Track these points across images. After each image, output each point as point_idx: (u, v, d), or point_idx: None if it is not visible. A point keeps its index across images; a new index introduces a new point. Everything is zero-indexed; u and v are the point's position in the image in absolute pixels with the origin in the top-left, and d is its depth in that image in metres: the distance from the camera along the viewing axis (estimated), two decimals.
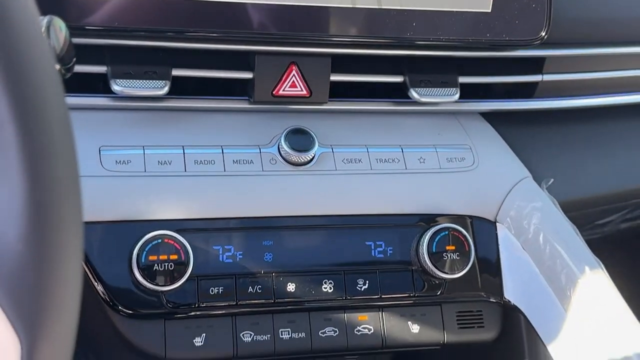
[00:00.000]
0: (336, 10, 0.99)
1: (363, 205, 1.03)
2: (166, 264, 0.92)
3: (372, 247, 1.02)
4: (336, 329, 1.01)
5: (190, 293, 0.95)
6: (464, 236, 1.02)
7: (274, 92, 1.03)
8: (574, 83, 1.17)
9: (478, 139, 1.11)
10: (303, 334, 1.00)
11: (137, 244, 0.93)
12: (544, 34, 1.05)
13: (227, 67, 1.02)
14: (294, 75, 1.03)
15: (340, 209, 1.02)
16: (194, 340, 0.96)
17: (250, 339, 0.98)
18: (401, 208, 1.04)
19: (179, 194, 0.97)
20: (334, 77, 1.05)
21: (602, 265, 0.99)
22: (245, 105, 1.05)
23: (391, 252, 1.03)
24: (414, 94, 1.07)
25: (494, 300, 1.06)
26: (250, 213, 0.99)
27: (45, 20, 0.63)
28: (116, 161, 0.96)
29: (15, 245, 0.48)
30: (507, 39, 1.05)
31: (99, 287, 0.93)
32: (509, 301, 1.05)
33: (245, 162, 1.00)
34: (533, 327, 1.03)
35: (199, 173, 0.98)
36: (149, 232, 0.93)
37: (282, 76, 1.03)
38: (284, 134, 1.01)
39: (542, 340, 1.01)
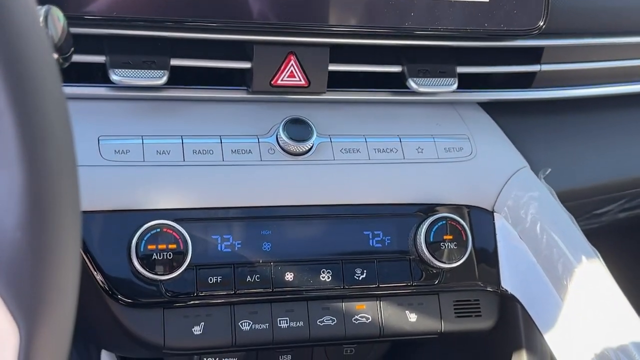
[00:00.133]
0: (334, 0, 0.99)
1: (361, 195, 1.03)
2: (165, 253, 0.93)
3: (370, 237, 1.03)
4: (334, 318, 1.01)
5: (189, 282, 0.96)
6: (462, 226, 1.03)
7: (272, 82, 1.03)
8: (572, 73, 1.17)
9: (476, 129, 1.12)
10: (301, 323, 1.00)
11: (136, 233, 0.93)
12: (542, 23, 1.05)
13: (225, 57, 1.03)
14: (292, 65, 1.04)
15: (339, 198, 1.02)
16: (193, 329, 0.97)
17: (248, 328, 0.99)
18: (399, 198, 1.04)
19: (177, 183, 0.97)
20: (333, 67, 1.05)
21: (599, 255, 1.00)
22: (243, 95, 1.05)
23: (389, 241, 1.03)
24: (412, 83, 1.07)
25: (491, 290, 1.06)
26: (248, 203, 0.99)
27: (43, 10, 0.63)
28: (115, 151, 0.97)
29: (13, 233, 0.48)
30: (505, 28, 1.05)
31: (98, 277, 0.94)
32: (506, 290, 1.05)
33: (243, 151, 1.01)
34: (530, 316, 1.03)
35: (197, 163, 0.98)
36: (148, 222, 0.93)
37: (281, 66, 1.03)
38: (283, 123, 1.02)
39: (538, 329, 1.02)
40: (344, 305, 1.02)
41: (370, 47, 1.07)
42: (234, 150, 1.00)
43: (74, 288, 0.54)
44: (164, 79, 0.99)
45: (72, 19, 0.90)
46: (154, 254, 0.92)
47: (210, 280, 0.97)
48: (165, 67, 0.99)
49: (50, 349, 0.52)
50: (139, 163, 0.97)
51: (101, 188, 0.95)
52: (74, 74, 0.99)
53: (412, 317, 1.04)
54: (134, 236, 0.93)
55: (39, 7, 0.63)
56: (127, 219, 0.94)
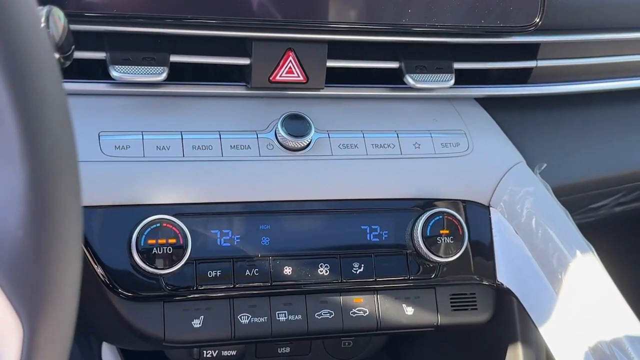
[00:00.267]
0: None
1: (359, 190, 1.04)
2: (165, 247, 0.94)
3: (368, 231, 1.04)
4: (332, 312, 1.03)
5: (188, 276, 0.97)
6: (458, 220, 1.04)
7: (271, 78, 1.04)
8: (568, 69, 1.18)
9: (473, 125, 1.13)
10: (299, 316, 1.01)
11: (136, 228, 0.94)
12: (538, 20, 1.06)
13: (224, 53, 1.03)
14: (290, 61, 1.04)
15: (336, 193, 1.03)
16: (193, 322, 0.98)
17: (247, 321, 1.00)
18: (396, 193, 1.05)
19: (177, 178, 0.98)
20: (331, 63, 1.06)
21: (593, 249, 1.01)
22: (242, 91, 1.06)
23: (386, 236, 1.04)
24: (409, 79, 1.08)
25: (487, 283, 1.07)
26: (247, 198, 1.00)
27: (44, 10, 0.64)
28: (115, 146, 0.97)
29: (16, 231, 0.49)
30: (501, 25, 1.06)
31: (99, 270, 0.95)
32: (502, 284, 1.07)
33: (242, 147, 1.01)
34: (525, 310, 1.04)
35: (197, 158, 0.99)
36: (148, 217, 0.94)
37: (279, 62, 1.04)
38: (281, 119, 1.03)
39: (533, 322, 1.03)
40: (342, 298, 1.03)
41: (368, 43, 1.08)
42: (233, 146, 1.01)
43: (75, 284, 0.55)
44: (164, 76, 1.00)
45: (73, 16, 0.91)
46: (154, 248, 0.93)
47: (210, 274, 0.98)
48: (165, 64, 1.00)
49: (52, 344, 0.54)
50: (139, 158, 0.98)
51: (102, 183, 0.96)
52: (74, 70, 1.00)
53: (409, 310, 1.06)
54: (134, 231, 0.94)
55: (40, 7, 0.64)
56: (128, 214, 0.95)
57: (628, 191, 1.32)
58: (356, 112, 1.10)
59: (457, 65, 1.10)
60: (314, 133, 1.03)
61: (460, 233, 1.04)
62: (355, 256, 1.03)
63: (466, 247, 1.05)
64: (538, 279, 1.02)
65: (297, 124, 1.03)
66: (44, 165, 0.50)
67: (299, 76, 1.05)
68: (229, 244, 0.99)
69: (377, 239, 1.04)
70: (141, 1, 0.95)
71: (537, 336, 1.05)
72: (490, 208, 1.08)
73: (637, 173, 1.26)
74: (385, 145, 1.06)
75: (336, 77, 1.08)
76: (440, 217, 1.03)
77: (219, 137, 1.01)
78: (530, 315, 1.03)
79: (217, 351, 1.17)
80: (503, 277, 1.06)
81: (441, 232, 1.03)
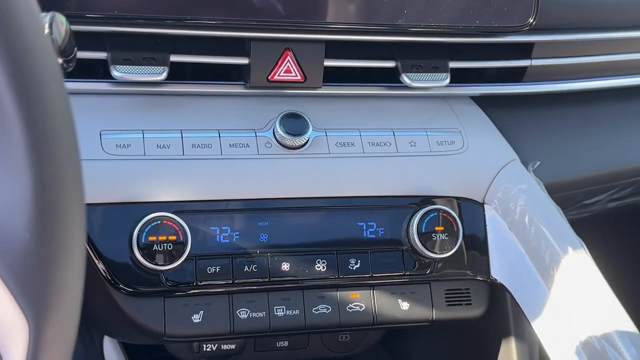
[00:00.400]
0: None
1: (355, 188, 1.06)
2: (165, 244, 0.95)
3: (364, 228, 1.05)
4: (329, 307, 1.04)
5: (188, 272, 0.98)
6: (453, 217, 1.05)
7: (269, 78, 1.06)
8: (561, 67, 1.19)
9: (468, 123, 1.14)
10: (297, 311, 1.03)
11: (137, 225, 0.95)
12: (531, 20, 1.07)
13: (223, 53, 1.05)
14: (288, 60, 1.06)
15: (334, 191, 1.05)
16: (192, 317, 1.00)
17: (246, 316, 1.02)
18: (392, 190, 1.07)
19: (177, 176, 1.00)
20: (328, 63, 1.07)
21: (585, 246, 1.03)
22: (241, 90, 1.07)
23: (382, 232, 1.06)
24: (405, 79, 1.10)
25: (481, 279, 1.09)
26: (246, 195, 1.02)
27: (48, 17, 0.66)
28: (116, 145, 0.99)
29: (23, 233, 0.51)
30: (496, 25, 1.07)
31: (101, 267, 0.96)
32: (496, 279, 1.08)
33: (241, 145, 1.03)
34: (518, 305, 1.06)
35: (196, 156, 1.01)
36: (149, 214, 0.96)
37: (277, 62, 1.05)
38: (279, 118, 1.04)
39: (526, 317, 1.04)
40: (339, 294, 1.05)
41: (364, 43, 1.09)
42: (232, 144, 1.03)
43: (79, 283, 0.57)
44: (164, 75, 1.01)
45: (75, 17, 0.93)
46: (155, 245, 0.95)
47: (209, 270, 0.99)
48: (165, 63, 1.01)
49: (57, 342, 0.56)
50: (139, 157, 0.99)
51: (103, 181, 0.97)
52: (76, 69, 1.01)
53: (405, 305, 1.07)
54: (135, 228, 0.95)
55: (44, 14, 0.65)
56: (129, 211, 0.97)
57: (621, 187, 1.34)
58: (353, 110, 1.11)
59: (453, 65, 1.12)
60: (311, 131, 1.05)
61: (455, 230, 1.05)
62: (351, 252, 1.05)
63: (461, 244, 1.06)
64: (531, 275, 1.04)
65: (294, 123, 1.04)
66: (48, 169, 0.52)
67: (296, 75, 1.07)
68: (228, 241, 1.00)
69: (374, 236, 1.06)
70: (142, 2, 0.97)
71: (530, 330, 1.06)
72: (485, 205, 1.10)
73: (630, 170, 1.27)
74: (382, 144, 1.08)
75: (333, 76, 1.09)
76: (436, 214, 1.05)
77: (218, 135, 1.03)
78: (523, 310, 1.05)
79: (216, 345, 1.18)
80: (497, 272, 1.08)
81: (436, 228, 1.05)
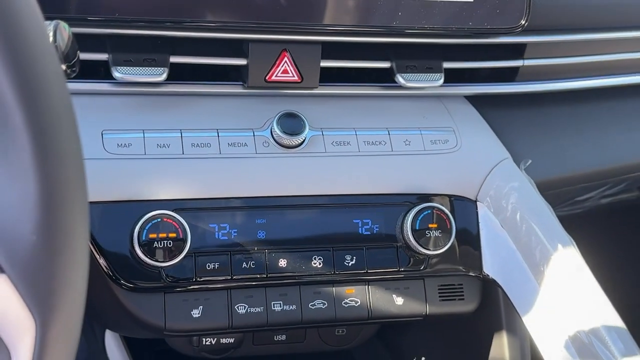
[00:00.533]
0: (326, 0, 1.04)
1: (351, 186, 1.07)
2: (165, 241, 0.97)
3: (360, 225, 1.07)
4: (325, 302, 1.06)
5: (188, 268, 1.00)
6: (446, 214, 1.07)
7: (266, 78, 1.07)
8: (553, 67, 1.21)
9: (461, 122, 1.16)
10: (294, 306, 1.05)
11: (138, 222, 0.97)
12: (524, 22, 1.09)
13: (222, 54, 1.07)
14: (285, 61, 1.08)
15: (330, 189, 1.07)
16: (192, 312, 1.02)
17: (244, 311, 1.03)
18: (387, 188, 1.09)
19: (177, 175, 1.02)
20: (324, 63, 1.09)
21: (574, 242, 1.05)
22: (239, 90, 1.09)
23: (377, 229, 1.08)
24: (400, 79, 1.11)
25: (473, 275, 1.11)
26: (244, 193, 1.04)
27: (52, 25, 0.68)
28: (118, 144, 1.01)
29: (30, 237, 0.54)
30: (488, 27, 1.09)
31: (103, 263, 0.98)
32: (488, 275, 1.10)
33: (239, 144, 1.05)
34: (510, 300, 1.08)
35: (195, 155, 1.02)
36: (149, 212, 0.98)
37: (275, 62, 1.07)
38: (276, 118, 1.05)
39: (517, 312, 1.06)
40: (334, 289, 1.07)
41: (360, 44, 1.11)
42: (230, 144, 1.04)
43: (83, 282, 0.60)
44: (164, 76, 1.03)
45: (77, 20, 0.96)
46: (155, 242, 0.97)
47: (208, 267, 1.01)
48: (165, 65, 1.03)
49: (62, 338, 0.58)
50: (140, 156, 1.01)
51: (105, 180, 0.99)
52: (79, 70, 1.04)
53: (399, 300, 1.09)
54: (136, 225, 0.97)
55: (48, 22, 0.68)
56: (130, 209, 0.99)
57: (613, 184, 1.36)
58: (349, 110, 1.13)
59: (446, 65, 1.13)
60: (308, 131, 1.06)
61: (448, 227, 1.07)
62: (347, 249, 1.06)
63: (454, 240, 1.08)
64: (522, 271, 1.06)
65: (292, 122, 1.06)
66: (54, 176, 0.54)
67: (293, 76, 1.08)
68: (227, 238, 1.02)
69: (369, 233, 1.07)
70: (142, 5, 0.98)
71: (521, 325, 1.08)
72: (478, 203, 1.12)
73: (620, 167, 1.29)
74: (377, 143, 1.10)
75: (330, 77, 1.11)
76: (429, 211, 1.07)
77: (217, 135, 1.05)
78: (515, 305, 1.07)
79: (215, 339, 1.21)
80: (489, 268, 1.10)
81: (430, 225, 1.07)
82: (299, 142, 1.06)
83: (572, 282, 1.02)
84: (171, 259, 0.98)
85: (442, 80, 1.13)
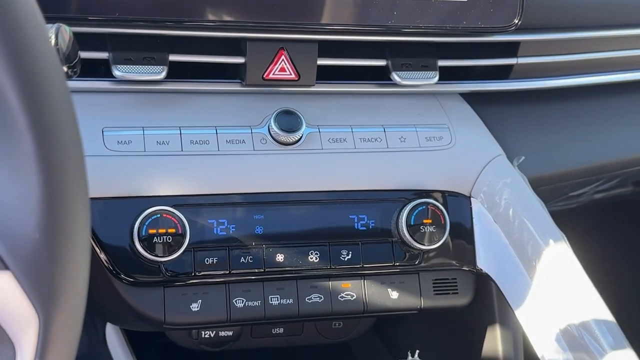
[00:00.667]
0: None
1: (347, 182, 1.09)
2: (165, 236, 0.99)
3: (356, 221, 1.09)
4: (321, 296, 1.08)
5: (187, 263, 1.02)
6: (441, 210, 1.09)
7: (264, 76, 1.09)
8: (546, 65, 1.22)
9: (456, 119, 1.17)
10: (291, 300, 1.07)
11: (138, 218, 0.99)
12: (517, 21, 1.11)
13: (220, 52, 1.08)
14: (283, 60, 1.09)
15: (326, 185, 1.08)
16: (191, 306, 1.03)
17: (242, 305, 1.05)
18: (383, 184, 1.10)
19: (176, 172, 1.03)
20: (321, 62, 1.10)
21: (565, 238, 1.07)
22: (237, 88, 1.10)
23: (373, 225, 1.09)
24: (395, 77, 1.13)
25: (467, 269, 1.13)
26: (242, 189, 1.05)
27: (53, 28, 0.70)
28: (118, 141, 1.02)
29: (33, 234, 0.56)
30: (482, 26, 1.11)
31: (104, 257, 1.00)
32: (481, 270, 1.12)
33: (237, 141, 1.06)
34: (502, 294, 1.10)
35: (194, 152, 1.04)
36: (149, 208, 0.99)
37: (272, 61, 1.09)
38: (274, 115, 1.07)
39: (510, 306, 1.08)
40: (331, 283, 1.08)
41: (356, 42, 1.13)
42: (228, 141, 1.06)
43: (84, 278, 0.62)
44: (163, 74, 1.04)
45: (78, 20, 0.98)
46: (155, 237, 0.98)
47: (207, 261, 1.03)
48: (164, 63, 1.04)
49: (65, 331, 0.60)
50: (140, 153, 1.02)
51: (106, 177, 1.01)
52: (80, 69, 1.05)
53: (394, 294, 1.11)
54: (136, 221, 0.99)
55: (49, 25, 0.70)
56: (130, 205, 1.00)
57: (606, 180, 1.38)
58: (345, 107, 1.14)
59: (441, 63, 1.15)
60: (305, 128, 1.08)
61: (443, 222, 1.09)
62: (343, 244, 1.08)
63: (448, 235, 1.10)
64: (514, 266, 1.08)
65: (289, 120, 1.07)
66: (56, 176, 0.56)
67: (290, 74, 1.10)
68: (225, 233, 1.04)
69: (365, 228, 1.09)
70: (142, 5, 1.00)
71: (514, 318, 1.10)
72: (471, 198, 1.13)
73: (614, 163, 1.31)
74: (373, 139, 1.11)
75: (326, 75, 1.12)
76: (424, 207, 1.08)
77: (215, 132, 1.06)
78: (507, 299, 1.09)
79: (214, 332, 1.22)
80: (482, 263, 1.12)
81: (424, 221, 1.08)
82: (296, 139, 1.08)
83: (563, 277, 1.04)
84: (170, 253, 0.99)
85: (437, 78, 1.14)
